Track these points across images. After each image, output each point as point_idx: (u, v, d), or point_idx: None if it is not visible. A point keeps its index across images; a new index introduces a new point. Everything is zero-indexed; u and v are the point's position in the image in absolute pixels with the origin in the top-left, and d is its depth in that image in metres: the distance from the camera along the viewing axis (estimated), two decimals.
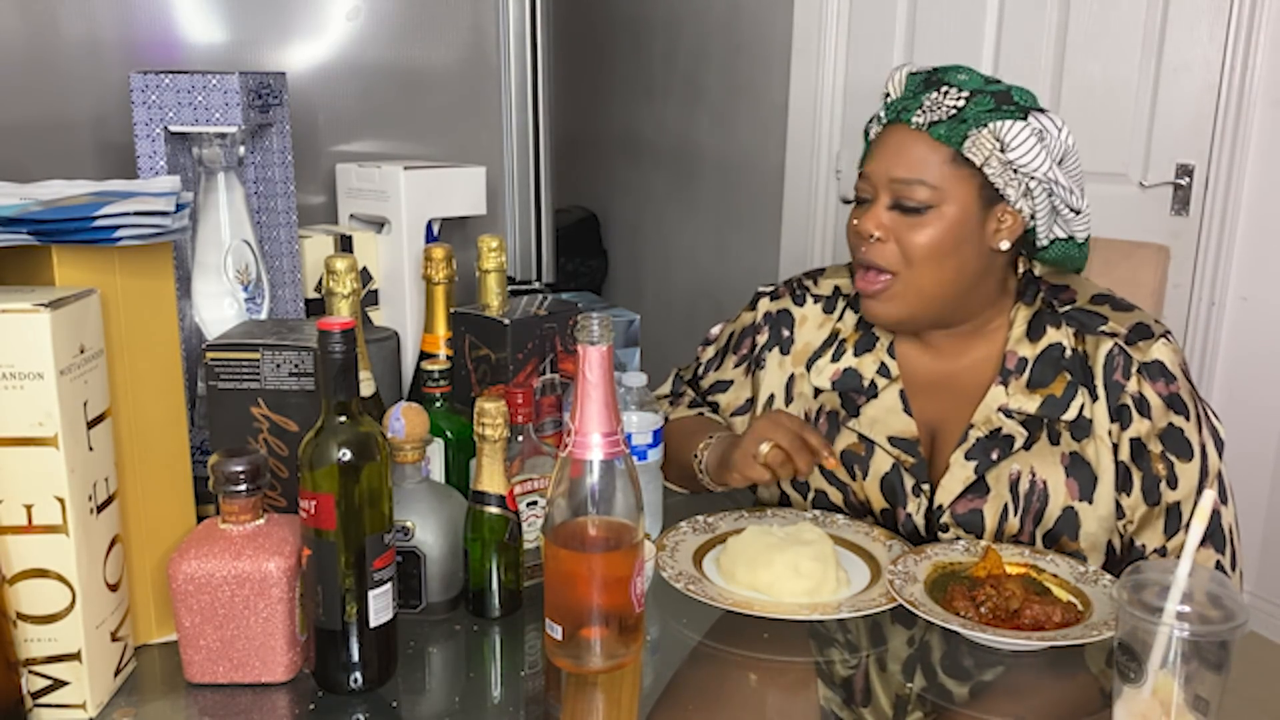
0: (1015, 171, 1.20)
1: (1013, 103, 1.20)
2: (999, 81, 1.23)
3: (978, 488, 1.24)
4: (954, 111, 1.19)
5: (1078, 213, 1.24)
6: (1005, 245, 1.24)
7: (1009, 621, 1.03)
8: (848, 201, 1.23)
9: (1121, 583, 0.88)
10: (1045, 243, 1.26)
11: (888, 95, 1.26)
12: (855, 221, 1.24)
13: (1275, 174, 2.37)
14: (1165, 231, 2.47)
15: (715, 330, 1.49)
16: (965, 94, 1.20)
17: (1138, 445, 1.20)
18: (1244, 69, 2.35)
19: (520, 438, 1.12)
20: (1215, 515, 1.20)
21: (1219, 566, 1.20)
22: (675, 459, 1.35)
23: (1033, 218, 1.23)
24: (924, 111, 1.20)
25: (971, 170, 1.20)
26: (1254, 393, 2.47)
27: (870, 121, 1.29)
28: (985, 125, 1.19)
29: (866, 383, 1.31)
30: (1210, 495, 0.91)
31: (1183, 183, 2.47)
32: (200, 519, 1.02)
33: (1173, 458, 1.19)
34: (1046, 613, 1.03)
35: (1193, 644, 0.84)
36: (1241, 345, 2.49)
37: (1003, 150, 1.18)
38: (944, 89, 1.21)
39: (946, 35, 2.77)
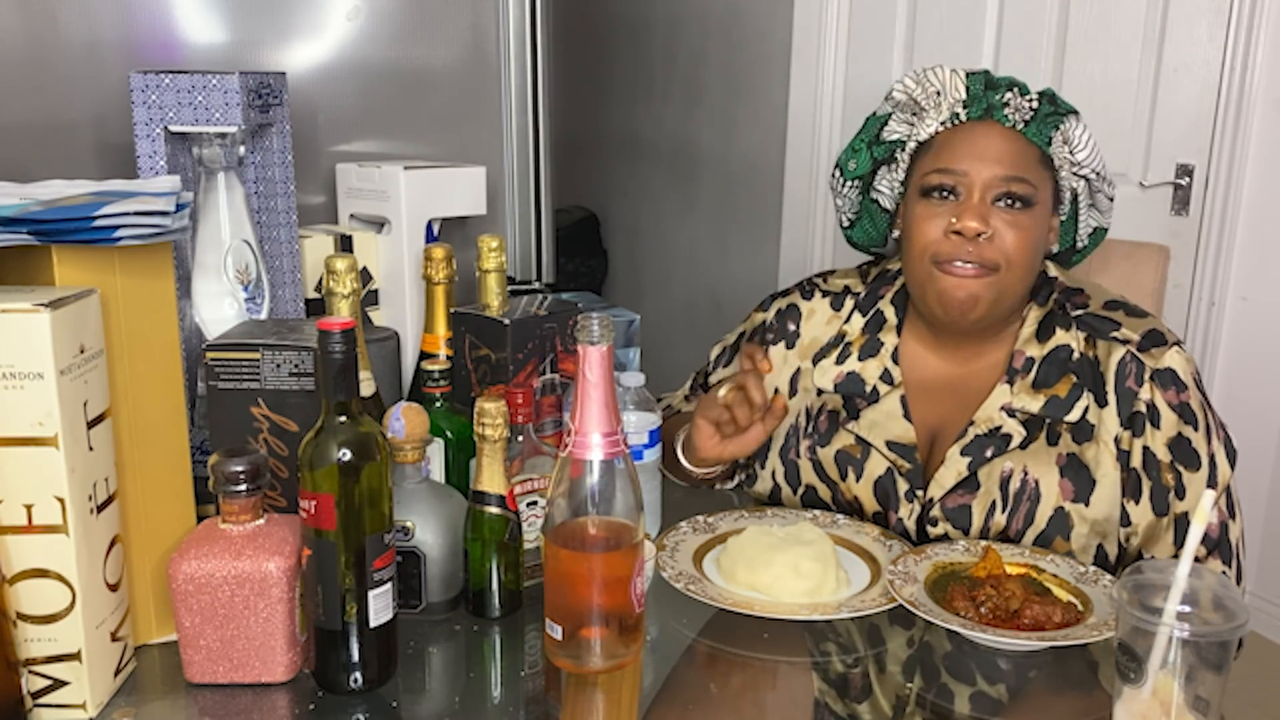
0: (1075, 172, 1.23)
1: (1058, 103, 1.23)
2: None
3: (969, 483, 1.24)
4: (1031, 114, 1.21)
5: (1111, 200, 1.28)
6: (1055, 249, 1.29)
7: (1009, 621, 1.03)
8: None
9: (1121, 583, 0.88)
10: (1085, 238, 1.31)
11: (939, 93, 1.23)
12: (954, 220, 1.18)
13: (1275, 174, 2.37)
14: (1165, 231, 2.47)
15: (731, 336, 1.49)
16: (1033, 97, 1.22)
17: (1149, 455, 1.19)
18: (1244, 69, 2.35)
19: (520, 438, 1.12)
20: (1224, 528, 1.19)
21: None
22: (667, 450, 1.34)
23: (1074, 220, 1.29)
24: (1014, 111, 1.21)
25: (1050, 172, 1.23)
26: (1254, 393, 2.47)
27: (911, 119, 1.26)
28: (1058, 127, 1.21)
29: (869, 388, 1.30)
30: (1210, 495, 0.91)
31: (1183, 183, 2.47)
32: (200, 519, 1.02)
33: (1181, 468, 1.18)
34: (1046, 613, 1.03)
35: (1193, 644, 0.84)
36: (1241, 345, 2.49)
37: (1070, 151, 1.22)
38: (1014, 90, 1.22)
39: (946, 35, 2.77)
